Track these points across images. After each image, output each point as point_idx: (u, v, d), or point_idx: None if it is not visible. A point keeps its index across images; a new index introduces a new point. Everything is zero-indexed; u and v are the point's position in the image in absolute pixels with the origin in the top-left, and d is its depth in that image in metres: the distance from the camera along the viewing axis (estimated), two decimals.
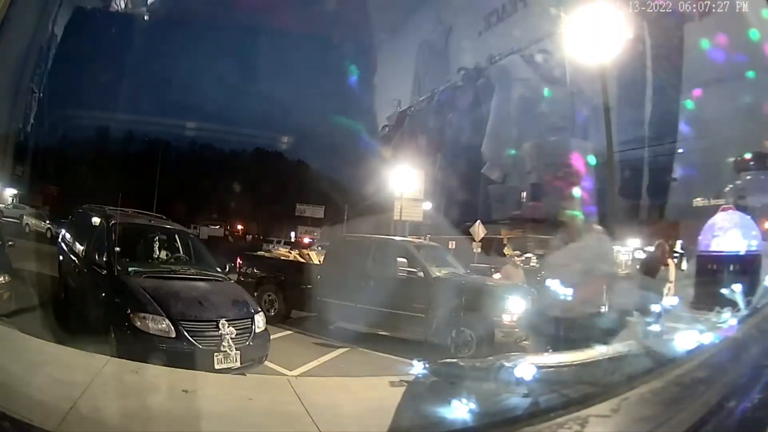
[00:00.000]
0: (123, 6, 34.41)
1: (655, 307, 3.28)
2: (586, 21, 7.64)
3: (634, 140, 23.34)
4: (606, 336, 3.72)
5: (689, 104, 21.42)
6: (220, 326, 4.74)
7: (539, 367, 2.15)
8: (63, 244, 7.61)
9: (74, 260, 6.70)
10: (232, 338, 4.73)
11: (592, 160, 21.47)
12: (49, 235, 16.40)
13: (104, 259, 5.68)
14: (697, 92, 20.76)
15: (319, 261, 9.48)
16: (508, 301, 6.89)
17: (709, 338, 2.12)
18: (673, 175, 22.70)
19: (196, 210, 30.49)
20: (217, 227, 32.24)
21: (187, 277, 5.77)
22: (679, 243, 18.18)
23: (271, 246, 21.01)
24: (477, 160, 30.97)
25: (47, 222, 18.34)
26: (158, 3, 34.83)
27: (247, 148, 37.99)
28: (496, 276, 9.72)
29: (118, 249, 5.68)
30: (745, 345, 1.92)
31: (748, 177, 17.21)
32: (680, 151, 22.40)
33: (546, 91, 28.63)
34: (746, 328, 2.12)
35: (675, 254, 18.10)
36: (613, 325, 4.01)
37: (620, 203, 17.85)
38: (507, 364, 2.13)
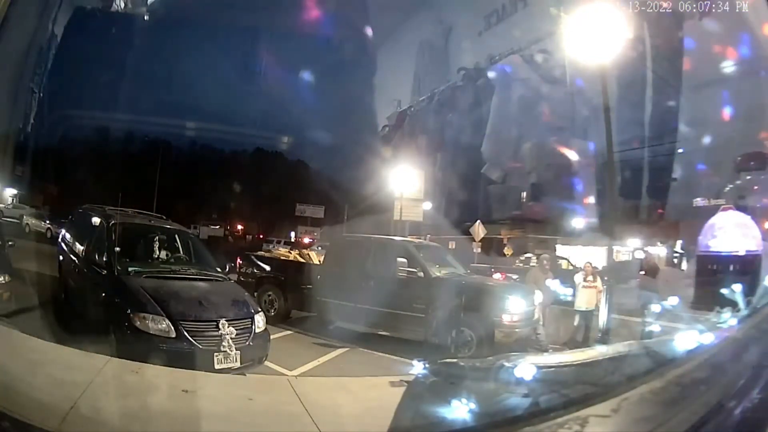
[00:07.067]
0: (123, 6, 34.36)
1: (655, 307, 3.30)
2: (586, 21, 7.61)
3: (634, 140, 23.31)
4: None
5: (689, 104, 21.42)
6: (220, 326, 4.75)
7: (539, 367, 2.15)
8: (63, 244, 7.60)
9: (74, 260, 6.70)
10: (232, 338, 4.74)
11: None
12: (49, 235, 16.38)
13: (104, 259, 5.68)
14: (697, 93, 20.76)
15: (319, 261, 9.47)
16: (508, 301, 6.89)
17: (709, 338, 2.12)
18: (673, 175, 22.69)
19: (196, 210, 30.44)
20: (217, 227, 32.16)
21: (187, 277, 5.78)
22: (679, 243, 18.21)
23: (271, 246, 21.00)
24: (477, 160, 30.94)
25: (47, 222, 18.33)
26: (158, 3, 34.78)
27: (247, 148, 37.92)
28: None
29: (118, 249, 5.68)
30: (745, 345, 1.92)
31: (748, 177, 17.19)
32: (680, 151, 22.38)
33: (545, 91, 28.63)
34: (746, 328, 2.12)
35: (675, 254, 18.18)
36: None
37: (620, 203, 17.82)
38: (507, 364, 2.14)
